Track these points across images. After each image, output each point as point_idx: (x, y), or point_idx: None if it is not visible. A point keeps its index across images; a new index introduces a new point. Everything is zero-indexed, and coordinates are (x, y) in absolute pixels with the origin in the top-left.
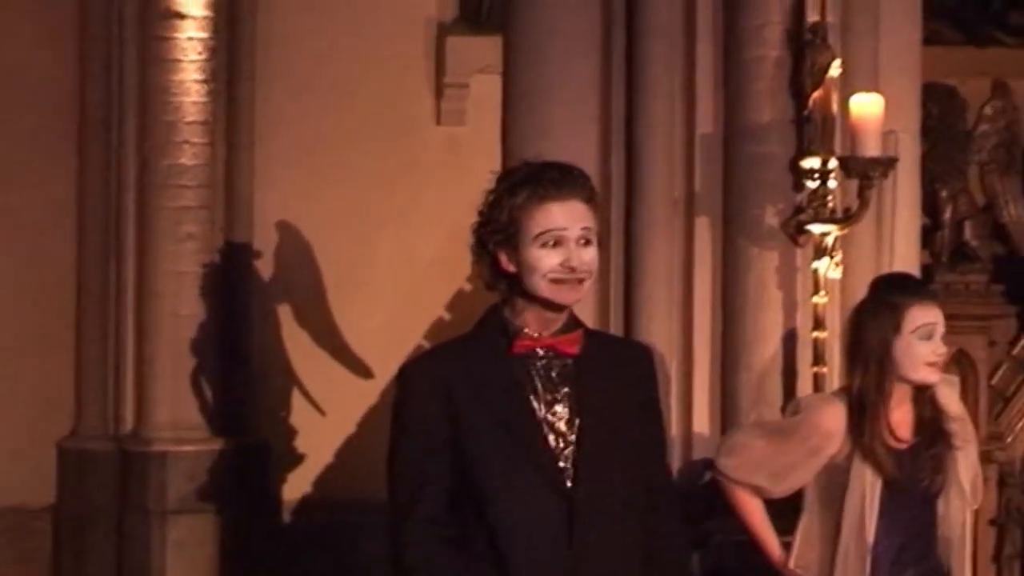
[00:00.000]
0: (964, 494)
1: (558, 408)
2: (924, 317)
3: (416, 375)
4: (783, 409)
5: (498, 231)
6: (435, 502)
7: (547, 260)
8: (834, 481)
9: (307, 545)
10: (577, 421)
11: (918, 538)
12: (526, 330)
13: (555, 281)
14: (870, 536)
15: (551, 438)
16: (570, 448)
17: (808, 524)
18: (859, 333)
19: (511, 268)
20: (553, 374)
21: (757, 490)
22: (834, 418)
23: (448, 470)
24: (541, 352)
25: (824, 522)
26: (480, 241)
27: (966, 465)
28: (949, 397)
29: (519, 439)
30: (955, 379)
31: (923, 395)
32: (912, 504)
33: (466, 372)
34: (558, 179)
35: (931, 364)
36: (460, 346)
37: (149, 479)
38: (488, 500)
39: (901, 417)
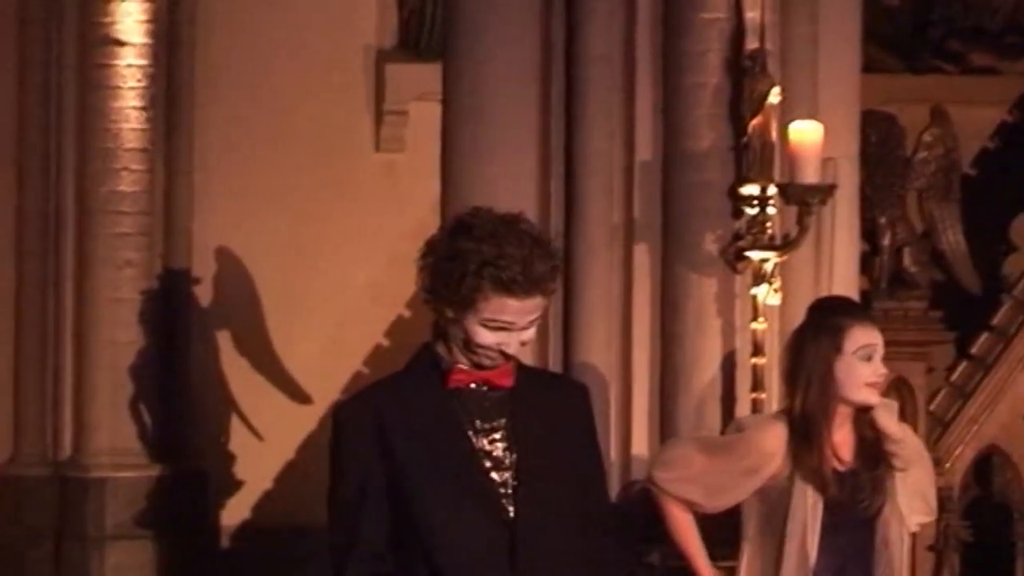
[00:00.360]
0: (903, 517)
1: (495, 439)
2: (865, 338)
3: (349, 415)
4: (723, 431)
5: (449, 288)
6: (376, 539)
7: (485, 338)
8: (775, 504)
9: (245, 571)
10: (515, 451)
11: (858, 558)
12: (459, 364)
13: (487, 356)
14: (812, 557)
15: (489, 469)
16: (508, 477)
17: (751, 550)
18: (800, 355)
19: (450, 315)
20: (487, 405)
21: (690, 504)
22: (775, 438)
23: (387, 508)
24: (475, 385)
25: (766, 545)
26: (431, 286)
27: (906, 485)
28: (888, 420)
29: (457, 472)
30: (893, 403)
31: (863, 418)
32: (852, 526)
33: (400, 408)
34: (527, 275)
35: (871, 385)
36: (393, 383)
37: (87, 505)
38: (429, 535)
39: (842, 439)
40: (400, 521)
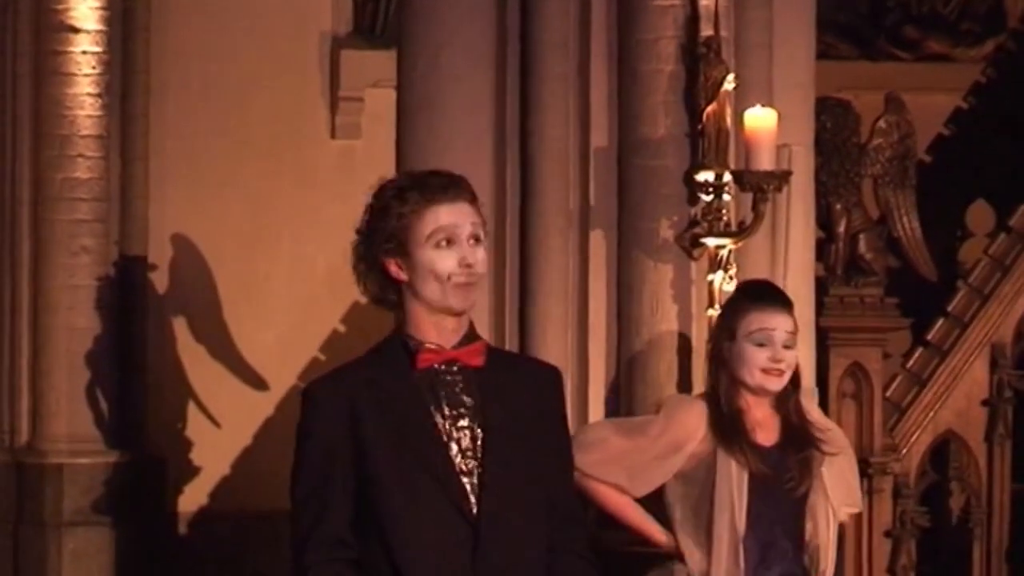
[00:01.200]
0: (830, 500)
1: (462, 423)
2: (760, 322)
3: (318, 395)
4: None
5: (387, 239)
6: (338, 524)
7: (443, 261)
8: (702, 484)
9: (204, 557)
10: (482, 436)
11: (784, 539)
12: (428, 344)
13: (456, 285)
14: (741, 531)
15: (455, 455)
16: (474, 464)
17: (682, 535)
18: (711, 338)
19: (402, 276)
20: (457, 388)
21: (617, 488)
22: (695, 415)
23: (352, 491)
24: (444, 366)
25: (696, 528)
26: (365, 254)
27: (834, 472)
28: (809, 408)
29: (422, 457)
30: (812, 390)
31: (786, 401)
32: (778, 504)
33: (369, 390)
34: (444, 183)
35: (766, 370)
36: (363, 364)
37: (45, 491)
38: (390, 521)
39: (763, 418)
40: (362, 504)
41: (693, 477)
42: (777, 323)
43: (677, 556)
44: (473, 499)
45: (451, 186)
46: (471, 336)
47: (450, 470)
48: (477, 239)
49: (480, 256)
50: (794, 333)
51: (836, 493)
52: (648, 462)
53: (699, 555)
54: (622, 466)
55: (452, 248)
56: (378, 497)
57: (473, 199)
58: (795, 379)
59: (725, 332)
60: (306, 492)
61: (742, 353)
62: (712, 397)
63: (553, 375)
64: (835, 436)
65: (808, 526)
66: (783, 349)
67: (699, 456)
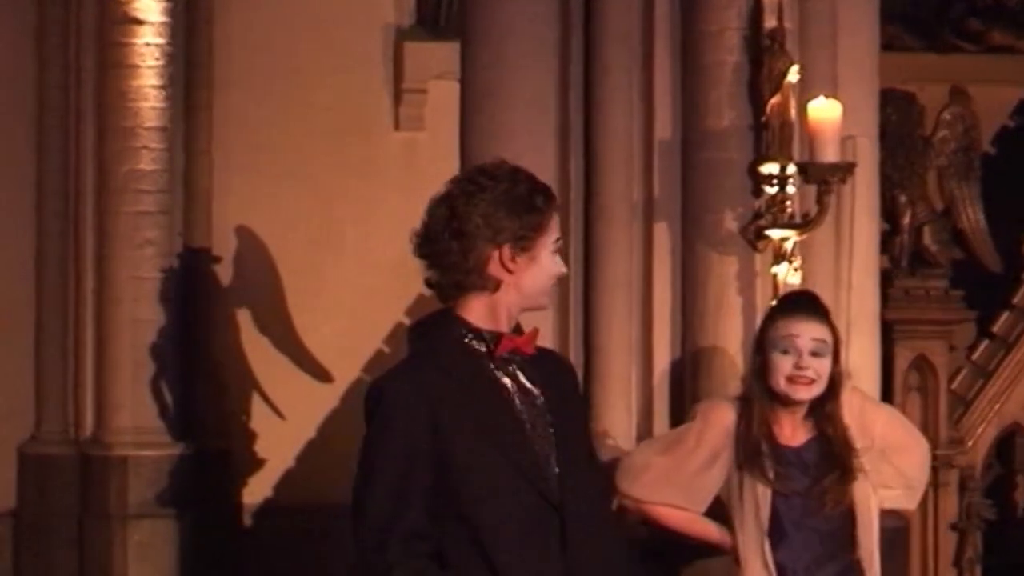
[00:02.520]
0: (873, 500)
1: (536, 408)
2: (786, 329)
3: (396, 389)
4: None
5: (528, 231)
6: (417, 518)
7: (555, 266)
8: (728, 494)
9: (267, 548)
10: (551, 419)
11: (827, 542)
12: (500, 331)
13: (553, 285)
14: (766, 541)
15: (534, 442)
16: (551, 450)
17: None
18: (754, 344)
19: (511, 266)
20: (524, 376)
21: (676, 507)
22: (725, 415)
23: (432, 486)
24: (510, 354)
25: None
26: (481, 235)
27: (885, 471)
28: (865, 407)
29: (504, 445)
30: (854, 397)
31: (824, 412)
32: (813, 512)
33: (446, 381)
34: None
35: (791, 378)
36: (432, 356)
37: (110, 484)
38: (478, 513)
39: (793, 430)
40: (446, 499)
41: (729, 484)
42: (801, 330)
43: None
44: (555, 485)
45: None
46: (517, 329)
47: (533, 458)
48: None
49: None
50: (825, 342)
51: (886, 492)
52: (694, 475)
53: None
54: (673, 484)
55: (558, 256)
56: (461, 487)
57: None
58: (832, 390)
59: (758, 341)
60: (385, 487)
61: (769, 361)
62: (744, 406)
63: (571, 366)
64: (893, 431)
65: (853, 529)
66: (809, 357)
67: (732, 463)
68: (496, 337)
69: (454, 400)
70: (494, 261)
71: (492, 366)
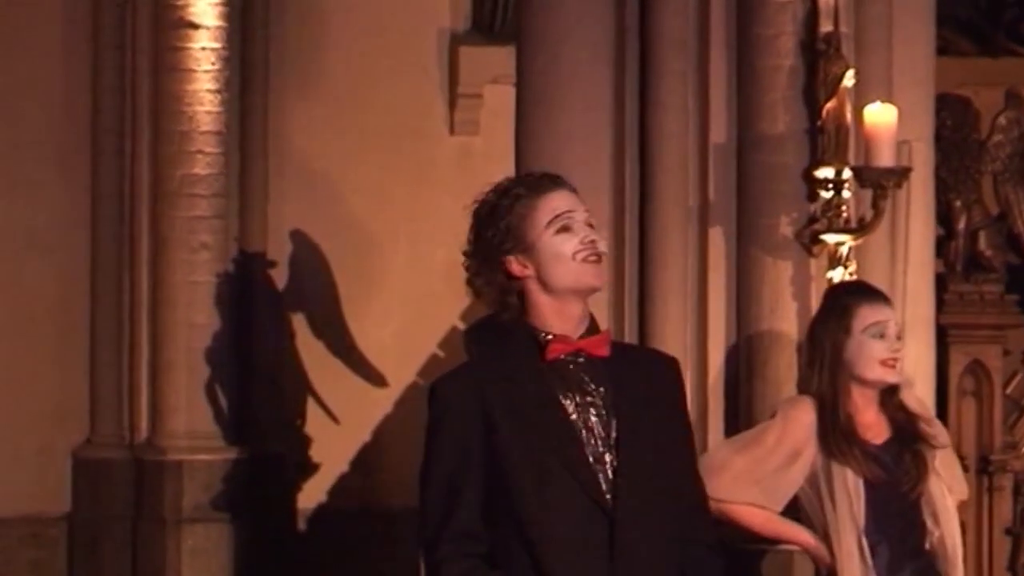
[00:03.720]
0: (946, 492)
1: (593, 412)
2: (874, 315)
3: (449, 389)
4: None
5: (505, 237)
6: (470, 518)
7: (567, 243)
8: (818, 488)
9: (321, 553)
10: (613, 424)
11: (910, 536)
12: (556, 334)
13: (584, 260)
14: (862, 532)
15: (588, 445)
16: (607, 453)
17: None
18: (813, 339)
19: (527, 271)
20: (586, 379)
21: (755, 506)
22: (807, 413)
23: (483, 486)
24: (571, 356)
25: (820, 533)
26: (481, 266)
27: (945, 464)
28: (911, 398)
29: (555, 447)
30: (911, 380)
31: (891, 398)
32: (899, 504)
33: (498, 382)
34: (544, 177)
35: (885, 362)
36: (489, 358)
37: (164, 488)
38: (526, 512)
39: (872, 419)
40: (497, 499)
41: (813, 482)
42: (889, 315)
43: (828, 561)
44: (607, 488)
45: (553, 178)
46: (594, 327)
47: (583, 459)
48: (591, 225)
49: (601, 240)
50: (899, 326)
51: (949, 483)
52: (774, 473)
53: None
54: (751, 482)
55: (571, 232)
56: (512, 489)
57: (575, 191)
58: None
59: (840, 330)
60: (437, 488)
61: (861, 347)
62: (822, 400)
63: (674, 365)
64: (939, 427)
65: (929, 521)
66: (896, 340)
67: (815, 464)
68: (549, 339)
69: (505, 400)
70: (513, 273)
71: (545, 367)
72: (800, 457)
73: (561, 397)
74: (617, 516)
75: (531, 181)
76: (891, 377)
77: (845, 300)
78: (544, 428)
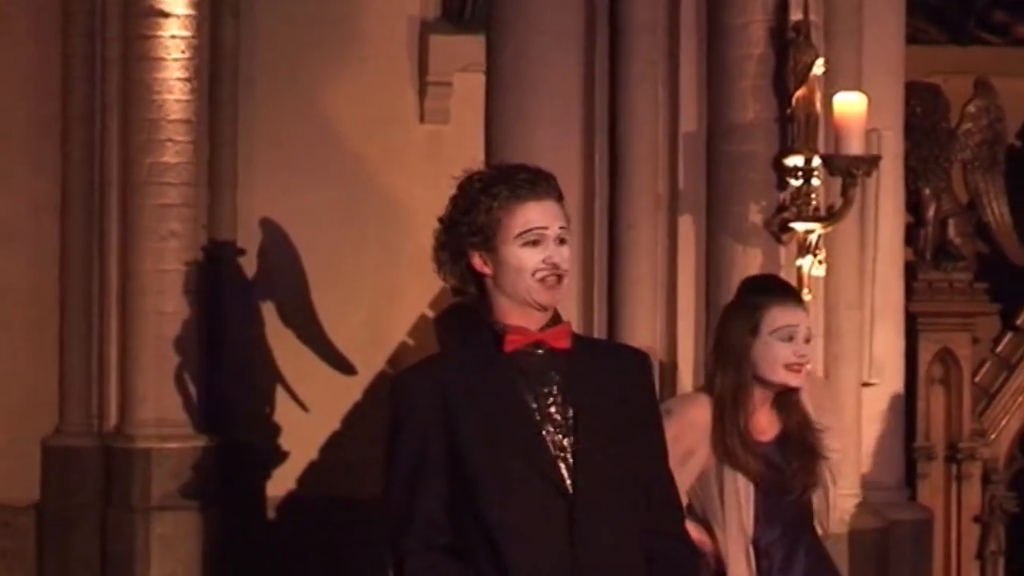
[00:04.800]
0: (830, 504)
1: (552, 401)
2: (784, 318)
3: (410, 382)
4: None
5: (474, 232)
6: (433, 509)
7: (530, 259)
8: (709, 486)
9: (291, 541)
10: (573, 415)
11: (801, 535)
12: (515, 325)
13: (542, 280)
14: (749, 532)
15: (547, 435)
16: (567, 441)
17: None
18: (721, 334)
19: (486, 270)
20: (545, 368)
21: None
22: (703, 412)
23: (445, 475)
24: (531, 348)
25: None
26: (448, 244)
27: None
28: (808, 405)
29: (515, 437)
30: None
31: (789, 400)
32: (788, 504)
33: (459, 374)
34: (532, 180)
35: (790, 367)
36: (452, 352)
37: (133, 476)
38: (486, 502)
39: (764, 418)
40: (458, 490)
41: (705, 480)
42: (800, 318)
43: (718, 560)
44: (568, 477)
45: (539, 182)
46: (555, 320)
47: (543, 448)
48: (562, 240)
49: (565, 255)
50: (810, 329)
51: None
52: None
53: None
54: None
55: (538, 247)
56: (472, 479)
57: (560, 198)
58: None
59: (747, 331)
60: (401, 479)
61: (767, 349)
62: (722, 400)
63: (642, 360)
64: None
65: (811, 526)
66: (804, 344)
67: (707, 463)
68: (506, 330)
69: (465, 392)
70: (473, 266)
71: (505, 358)
72: (693, 457)
73: (520, 388)
74: (577, 502)
75: (517, 183)
76: (794, 381)
77: (756, 299)
78: (503, 418)
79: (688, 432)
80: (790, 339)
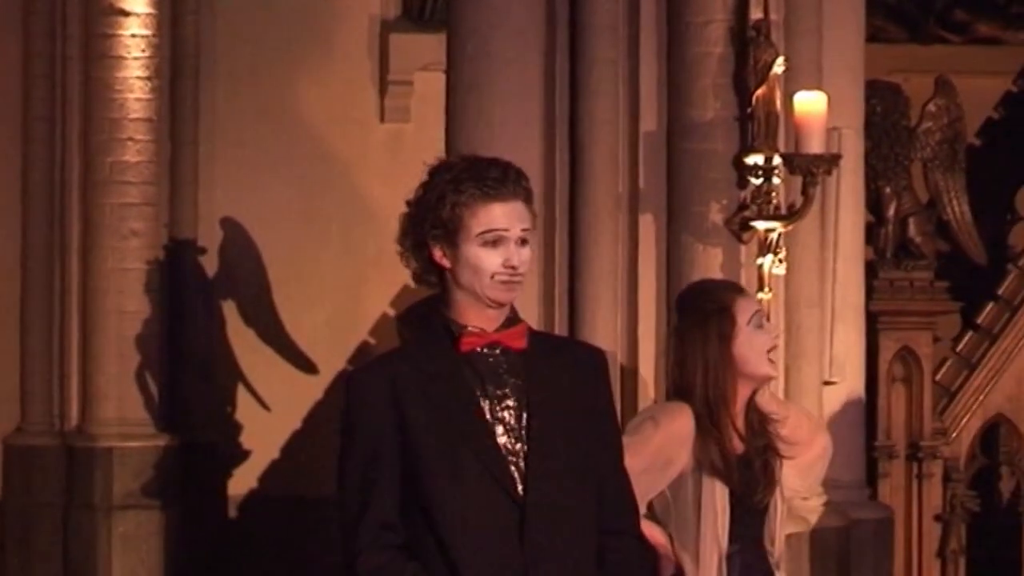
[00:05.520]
0: (783, 501)
1: (507, 404)
2: (750, 306)
3: (363, 381)
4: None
5: (437, 225)
6: (386, 508)
7: (489, 260)
8: (682, 495)
9: (253, 539)
10: (525, 417)
11: (761, 540)
12: (470, 327)
13: (502, 282)
14: (724, 544)
15: (500, 436)
16: (520, 446)
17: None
18: (689, 344)
19: (445, 263)
20: (500, 370)
21: None
22: (687, 423)
23: (398, 475)
24: (487, 349)
25: (681, 539)
26: (412, 232)
27: (791, 466)
28: (770, 400)
29: (467, 439)
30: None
31: (749, 403)
32: (753, 509)
33: (412, 374)
34: (501, 178)
35: (768, 353)
36: (407, 351)
37: (95, 475)
38: (437, 503)
39: (741, 424)
40: (409, 489)
41: (679, 488)
42: (759, 304)
43: (675, 565)
44: (519, 480)
45: (508, 182)
46: (513, 319)
47: (495, 451)
48: (524, 241)
49: (525, 257)
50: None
51: (795, 486)
52: (640, 473)
53: (691, 567)
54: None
55: (498, 248)
56: (424, 480)
57: (527, 197)
58: None
59: (725, 328)
60: (354, 478)
61: (750, 340)
62: (707, 408)
63: (597, 358)
64: (792, 424)
65: (773, 524)
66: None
67: (684, 470)
68: (463, 330)
69: (418, 392)
70: (434, 258)
71: (459, 358)
72: (671, 465)
73: (475, 389)
74: (528, 506)
75: (486, 181)
76: (773, 371)
77: (720, 296)
78: (456, 420)
79: (672, 442)
80: (761, 325)
